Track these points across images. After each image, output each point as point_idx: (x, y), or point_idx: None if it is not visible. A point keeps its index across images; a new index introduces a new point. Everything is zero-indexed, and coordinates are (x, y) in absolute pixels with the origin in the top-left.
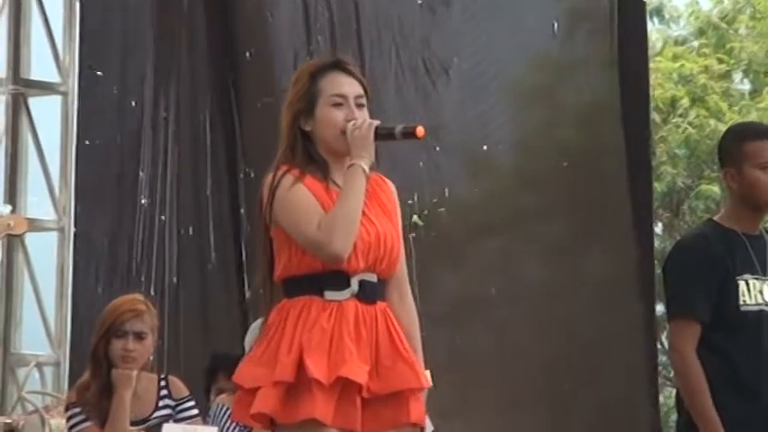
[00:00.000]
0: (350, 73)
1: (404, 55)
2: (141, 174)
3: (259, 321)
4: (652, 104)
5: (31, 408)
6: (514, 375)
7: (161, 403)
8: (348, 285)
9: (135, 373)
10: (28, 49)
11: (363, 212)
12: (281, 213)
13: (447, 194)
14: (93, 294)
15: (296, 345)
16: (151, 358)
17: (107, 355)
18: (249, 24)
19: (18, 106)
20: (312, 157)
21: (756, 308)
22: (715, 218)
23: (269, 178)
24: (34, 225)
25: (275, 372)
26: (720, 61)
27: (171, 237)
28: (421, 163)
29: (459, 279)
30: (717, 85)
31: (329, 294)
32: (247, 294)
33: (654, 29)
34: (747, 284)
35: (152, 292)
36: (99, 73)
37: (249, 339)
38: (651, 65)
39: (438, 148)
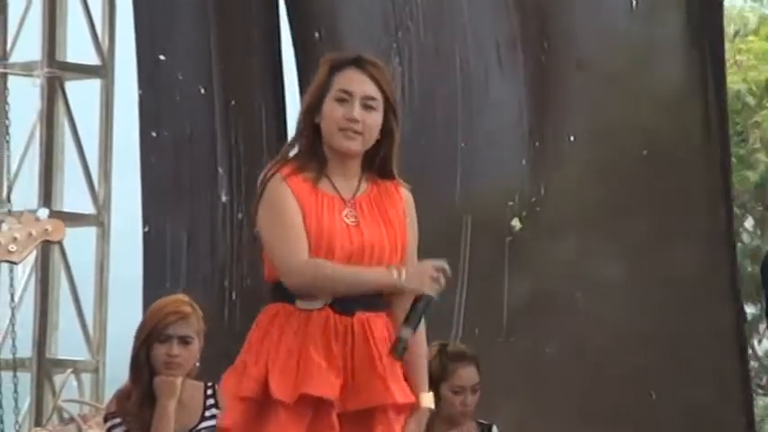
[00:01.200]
0: (367, 72)
1: (493, 46)
2: (220, 170)
3: None
4: (745, 87)
5: (67, 417)
6: (594, 384)
7: (208, 413)
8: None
9: (179, 380)
10: (64, 30)
11: (356, 220)
12: (262, 223)
13: (543, 192)
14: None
15: (262, 359)
16: (197, 364)
17: (149, 362)
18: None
19: (54, 91)
20: (315, 151)
21: None
22: None
23: (261, 175)
24: (71, 220)
25: (240, 386)
26: None
27: (249, 237)
28: (523, 161)
29: (531, 282)
30: None
31: (300, 303)
32: None
33: (747, 6)
34: None
35: (233, 297)
36: (162, 57)
37: None
38: (743, 45)
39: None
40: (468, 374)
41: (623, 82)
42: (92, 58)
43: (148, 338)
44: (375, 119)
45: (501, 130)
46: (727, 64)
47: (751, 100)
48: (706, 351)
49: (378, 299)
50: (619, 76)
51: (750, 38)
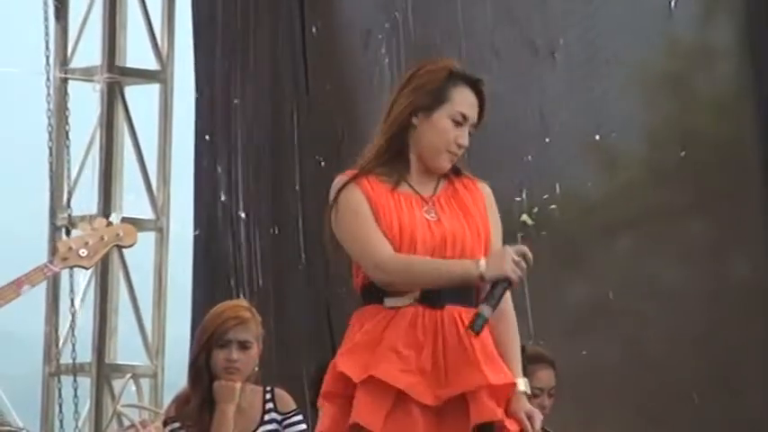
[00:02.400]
0: (480, 98)
1: (501, 35)
2: (219, 168)
3: None
4: None
5: (127, 423)
6: (644, 390)
7: (266, 417)
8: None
9: (239, 385)
10: (124, 35)
11: (437, 214)
12: (343, 230)
13: (558, 190)
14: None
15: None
16: (256, 369)
17: (208, 366)
18: None
19: (113, 96)
20: (400, 153)
21: None
22: None
23: (335, 181)
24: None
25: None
26: None
27: (258, 236)
28: (530, 156)
29: (576, 283)
30: None
31: (389, 301)
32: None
33: None
34: None
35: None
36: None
37: None
38: None
39: (548, 140)
40: (546, 377)
41: (673, 83)
42: (151, 63)
43: (208, 343)
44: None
45: (502, 124)
46: None
47: None
48: (761, 359)
49: (469, 293)
50: (670, 77)
51: None
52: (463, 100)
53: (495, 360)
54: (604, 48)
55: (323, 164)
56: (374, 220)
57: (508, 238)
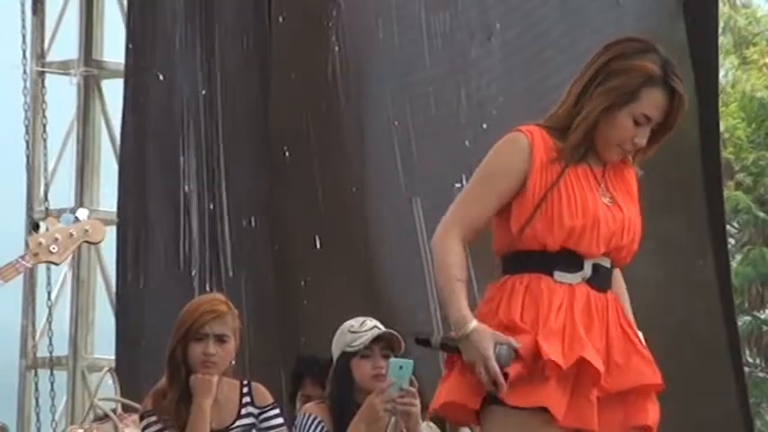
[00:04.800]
0: (674, 101)
1: (436, 18)
2: (182, 158)
3: (350, 322)
4: None
5: (102, 414)
6: None
7: (243, 411)
8: (581, 268)
9: (215, 379)
10: (101, 28)
11: (612, 197)
12: (476, 170)
13: None
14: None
15: (529, 321)
16: (233, 363)
17: (185, 360)
18: None
19: (90, 89)
20: (586, 135)
21: None
22: None
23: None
24: (107, 219)
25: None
26: None
27: (226, 227)
28: (467, 142)
29: None
30: None
31: (559, 275)
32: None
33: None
34: None
35: (207, 287)
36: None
37: (336, 344)
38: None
39: (485, 125)
40: None
41: None
42: None
43: (185, 337)
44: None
45: (440, 109)
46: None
47: None
48: (701, 368)
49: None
50: None
51: None
52: (650, 102)
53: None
54: (544, 34)
55: (287, 154)
56: (505, 189)
57: None
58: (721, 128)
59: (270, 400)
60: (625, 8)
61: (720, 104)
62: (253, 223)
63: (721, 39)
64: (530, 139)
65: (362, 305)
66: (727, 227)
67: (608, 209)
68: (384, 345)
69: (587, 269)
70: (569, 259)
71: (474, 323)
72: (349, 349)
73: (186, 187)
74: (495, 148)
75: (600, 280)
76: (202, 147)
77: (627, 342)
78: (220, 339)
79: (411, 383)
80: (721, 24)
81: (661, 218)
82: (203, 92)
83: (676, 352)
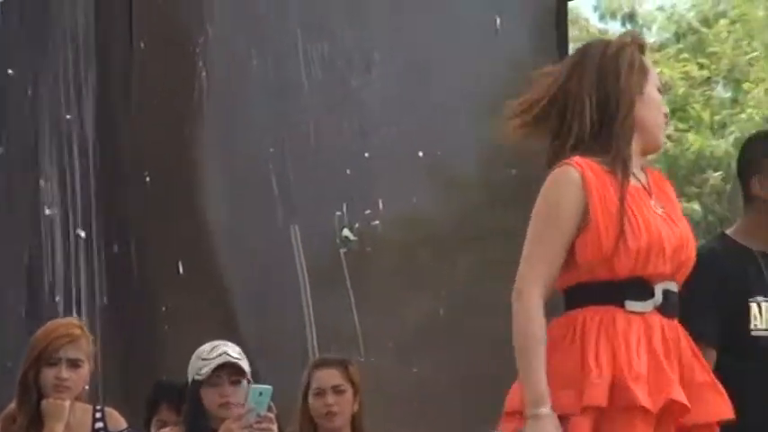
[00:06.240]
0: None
1: (314, 48)
2: (42, 182)
3: (203, 348)
4: None
5: None
6: (481, 408)
7: None
8: (652, 295)
9: (67, 403)
10: None
11: (665, 212)
12: (536, 213)
13: (381, 206)
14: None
15: (605, 364)
16: (86, 387)
17: (37, 384)
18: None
19: None
20: (630, 142)
21: None
22: (727, 231)
23: (550, 156)
24: None
25: (585, 395)
26: (701, 67)
27: (94, 254)
28: (348, 170)
29: (408, 301)
30: (697, 92)
31: (631, 305)
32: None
33: None
34: (760, 307)
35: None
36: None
37: (189, 371)
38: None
39: (367, 155)
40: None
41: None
42: None
43: (37, 361)
44: None
45: (320, 139)
46: None
47: None
48: None
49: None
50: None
51: None
52: (653, 70)
53: None
54: (425, 63)
55: (148, 179)
56: (571, 227)
57: (330, 253)
58: None
59: (124, 424)
60: (501, 36)
61: None
62: (115, 249)
63: None
64: (580, 170)
65: (223, 331)
66: None
67: (666, 224)
68: (233, 371)
69: (658, 295)
70: (639, 286)
71: (548, 409)
72: (198, 377)
73: (48, 211)
74: (549, 190)
75: (669, 307)
76: (66, 170)
77: (701, 372)
78: (74, 364)
79: (269, 409)
80: None
81: None
82: (68, 116)
83: None
